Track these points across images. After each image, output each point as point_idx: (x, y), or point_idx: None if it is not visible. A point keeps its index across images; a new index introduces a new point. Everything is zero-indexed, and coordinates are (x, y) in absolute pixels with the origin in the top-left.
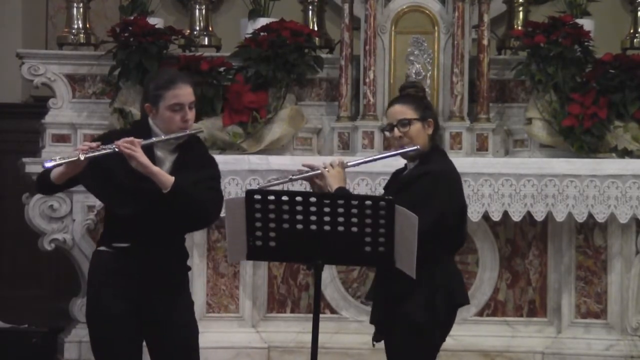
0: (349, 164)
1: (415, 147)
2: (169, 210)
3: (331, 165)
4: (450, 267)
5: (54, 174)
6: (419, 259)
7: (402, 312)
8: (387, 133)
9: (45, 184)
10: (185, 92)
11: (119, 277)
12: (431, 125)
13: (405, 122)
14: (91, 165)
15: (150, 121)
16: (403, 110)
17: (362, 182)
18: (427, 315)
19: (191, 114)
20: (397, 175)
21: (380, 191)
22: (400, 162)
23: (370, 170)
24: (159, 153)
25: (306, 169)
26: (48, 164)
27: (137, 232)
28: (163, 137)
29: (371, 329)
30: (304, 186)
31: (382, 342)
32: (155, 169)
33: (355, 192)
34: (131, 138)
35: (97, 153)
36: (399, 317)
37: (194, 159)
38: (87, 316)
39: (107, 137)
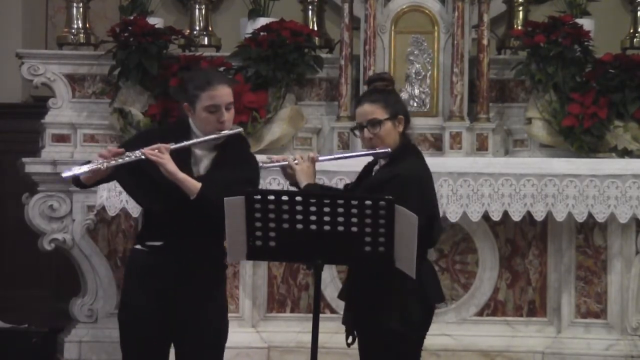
0: (319, 158)
1: (386, 150)
2: (197, 215)
3: (301, 158)
4: (422, 268)
5: (82, 176)
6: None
7: (377, 319)
8: (356, 132)
9: (77, 183)
10: (221, 93)
11: (152, 275)
12: (402, 122)
13: (375, 123)
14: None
15: (190, 120)
16: (372, 110)
17: (318, 182)
18: (401, 322)
19: (228, 115)
20: (369, 168)
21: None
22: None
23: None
24: (198, 151)
25: (277, 157)
26: (66, 174)
27: (170, 231)
28: (195, 140)
29: None
30: None
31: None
32: (182, 175)
33: None
34: (158, 144)
35: (121, 161)
36: (373, 324)
37: (233, 158)
38: (119, 312)
39: (141, 138)
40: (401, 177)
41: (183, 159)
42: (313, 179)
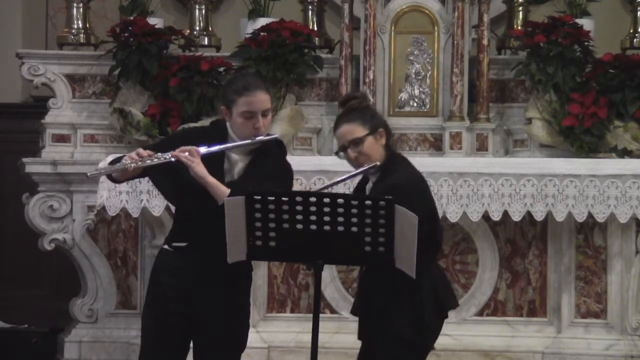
0: (310, 190)
1: (374, 164)
2: (223, 219)
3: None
4: (434, 274)
5: (113, 175)
6: (402, 273)
7: (390, 328)
8: (341, 154)
9: (111, 177)
10: (258, 100)
11: (175, 275)
12: (383, 135)
13: (357, 142)
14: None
15: (228, 124)
16: (351, 130)
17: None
18: (415, 330)
19: (265, 122)
20: (361, 187)
21: None
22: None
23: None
24: (233, 155)
25: None
26: (92, 173)
27: (195, 233)
28: (227, 145)
29: None
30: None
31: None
32: (211, 180)
33: None
34: (189, 147)
35: (149, 162)
36: (386, 332)
37: (266, 165)
38: (143, 310)
39: (182, 137)
40: (398, 187)
41: (216, 163)
42: None
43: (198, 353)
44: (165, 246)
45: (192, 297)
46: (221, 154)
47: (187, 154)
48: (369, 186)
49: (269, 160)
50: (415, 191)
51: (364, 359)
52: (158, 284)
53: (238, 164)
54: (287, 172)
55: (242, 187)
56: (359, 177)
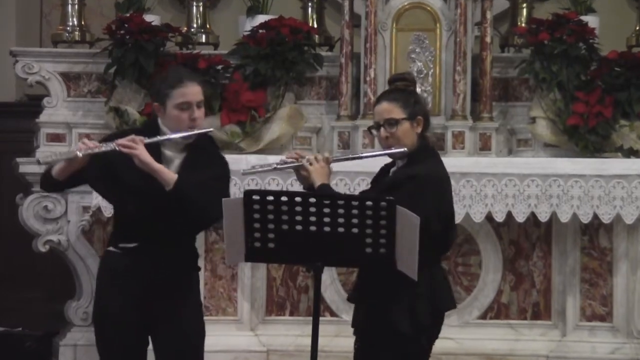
0: (333, 159)
1: (402, 150)
2: (172, 210)
3: (315, 159)
4: (435, 273)
5: (55, 170)
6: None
7: (385, 320)
8: (373, 132)
9: (48, 182)
10: (192, 91)
11: (125, 277)
12: (420, 124)
13: (392, 122)
14: (97, 164)
15: (160, 121)
16: (390, 109)
17: (340, 182)
18: (409, 324)
19: (199, 113)
20: (386, 169)
21: (358, 191)
22: (387, 158)
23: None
24: (168, 152)
25: (290, 159)
26: (44, 160)
27: (143, 233)
28: (170, 135)
29: None
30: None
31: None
32: (158, 166)
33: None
34: (132, 136)
35: (97, 150)
36: (381, 324)
37: (202, 158)
38: (94, 315)
39: (114, 137)
40: (419, 178)
41: (153, 159)
42: (327, 179)
43: (159, 354)
44: (111, 248)
45: (145, 298)
46: (157, 152)
47: (128, 142)
48: (393, 169)
49: (204, 153)
50: (434, 187)
51: (360, 352)
52: (109, 288)
53: (174, 160)
54: (223, 161)
55: (187, 177)
56: (387, 159)
